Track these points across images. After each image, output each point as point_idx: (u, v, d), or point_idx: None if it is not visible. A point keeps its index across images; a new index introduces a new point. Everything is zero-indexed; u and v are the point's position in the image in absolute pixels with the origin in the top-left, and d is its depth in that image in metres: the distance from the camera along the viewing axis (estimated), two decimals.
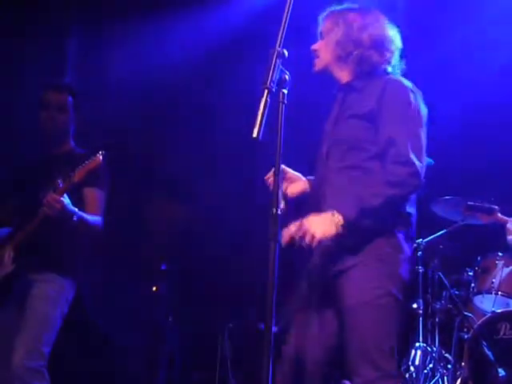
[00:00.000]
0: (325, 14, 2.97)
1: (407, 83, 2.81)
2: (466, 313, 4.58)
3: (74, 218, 3.58)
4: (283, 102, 2.41)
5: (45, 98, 3.87)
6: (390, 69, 2.88)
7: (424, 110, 2.79)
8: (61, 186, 3.49)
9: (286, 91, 2.42)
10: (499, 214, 4.26)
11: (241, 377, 5.28)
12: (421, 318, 4.66)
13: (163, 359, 5.35)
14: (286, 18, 2.45)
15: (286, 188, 2.96)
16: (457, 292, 4.72)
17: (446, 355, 4.63)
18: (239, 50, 5.63)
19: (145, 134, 5.79)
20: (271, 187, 2.76)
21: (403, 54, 2.95)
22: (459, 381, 4.29)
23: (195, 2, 5.60)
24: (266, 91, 2.35)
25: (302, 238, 2.56)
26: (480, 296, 4.52)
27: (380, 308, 2.63)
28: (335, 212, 2.57)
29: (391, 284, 2.66)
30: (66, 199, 3.51)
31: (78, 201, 3.65)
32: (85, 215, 3.67)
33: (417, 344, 4.63)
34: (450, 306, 4.69)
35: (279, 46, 2.41)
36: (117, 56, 5.61)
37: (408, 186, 2.64)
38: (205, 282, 5.55)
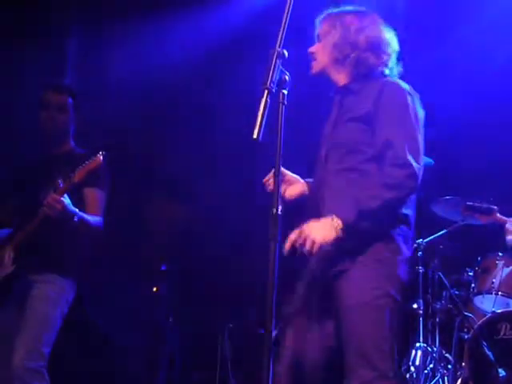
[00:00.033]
0: (322, 16, 2.98)
1: (404, 85, 2.82)
2: (466, 313, 4.59)
3: (75, 219, 3.58)
4: (283, 103, 2.41)
5: (45, 99, 3.87)
6: (387, 71, 2.89)
7: (421, 113, 2.80)
8: (61, 186, 3.49)
9: (286, 92, 2.42)
10: (498, 214, 4.26)
11: (241, 377, 5.28)
12: (421, 318, 4.66)
13: (163, 359, 5.35)
14: (286, 18, 2.45)
15: (285, 190, 2.97)
16: (457, 292, 4.73)
17: (447, 355, 4.63)
18: (239, 50, 5.63)
19: (145, 134, 5.79)
20: (269, 189, 2.78)
21: (402, 56, 2.95)
22: (459, 381, 4.29)
23: (195, 2, 5.59)
24: (266, 92, 2.35)
25: (303, 244, 2.58)
26: (480, 296, 4.52)
27: (378, 308, 2.64)
28: (334, 216, 2.59)
29: (390, 285, 2.67)
30: (66, 199, 3.50)
31: (79, 201, 3.65)
32: (85, 215, 3.67)
33: (417, 344, 4.63)
34: (451, 306, 4.69)
35: (279, 47, 2.41)
36: (117, 56, 5.60)
37: (405, 188, 2.65)
38: (205, 282, 5.55)
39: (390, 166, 2.64)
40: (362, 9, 2.97)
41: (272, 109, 2.37)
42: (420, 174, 2.66)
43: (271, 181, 2.80)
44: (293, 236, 2.61)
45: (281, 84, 2.42)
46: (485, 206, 4.26)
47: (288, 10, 2.47)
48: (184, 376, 5.45)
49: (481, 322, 4.31)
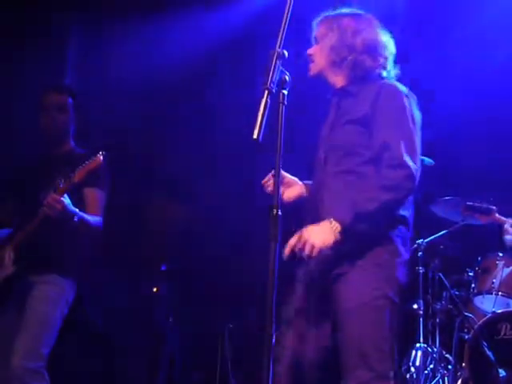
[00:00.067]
0: (319, 19, 2.99)
1: (401, 88, 2.83)
2: (466, 313, 4.58)
3: (75, 219, 3.57)
4: (283, 103, 2.41)
5: (45, 99, 3.87)
6: (384, 73, 2.90)
7: (418, 114, 2.81)
8: (61, 186, 3.49)
9: (286, 92, 2.42)
10: (497, 215, 4.27)
11: (241, 377, 5.28)
12: (421, 319, 4.66)
13: (163, 359, 5.35)
14: (286, 18, 2.45)
15: (283, 192, 2.97)
16: (457, 292, 4.72)
17: (447, 356, 4.63)
18: (239, 50, 5.63)
19: (145, 134, 5.79)
20: (268, 191, 2.79)
21: (402, 55, 2.95)
22: (460, 381, 4.29)
23: (195, 2, 5.60)
24: (266, 92, 2.35)
25: (302, 248, 2.59)
26: (480, 296, 4.52)
27: (377, 309, 2.66)
28: (332, 220, 2.60)
29: (388, 287, 2.68)
30: (66, 199, 3.50)
31: (79, 201, 3.65)
32: (85, 216, 3.67)
33: (417, 345, 4.63)
34: (451, 306, 4.69)
35: (279, 47, 2.41)
36: (117, 56, 5.60)
37: (403, 189, 2.66)
38: (205, 282, 5.55)
39: (387, 167, 2.65)
40: (359, 11, 2.98)
41: (272, 109, 2.37)
42: (417, 174, 2.67)
43: (270, 182, 2.82)
44: (292, 241, 2.62)
45: (281, 84, 2.41)
46: (484, 206, 4.26)
47: (288, 10, 2.47)
48: (184, 376, 5.45)
49: (481, 322, 4.31)
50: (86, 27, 5.72)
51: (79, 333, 4.89)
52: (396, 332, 2.72)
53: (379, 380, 2.62)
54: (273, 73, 2.38)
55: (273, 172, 2.75)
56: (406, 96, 2.79)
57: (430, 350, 4.62)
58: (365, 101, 2.78)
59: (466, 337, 4.42)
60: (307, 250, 2.58)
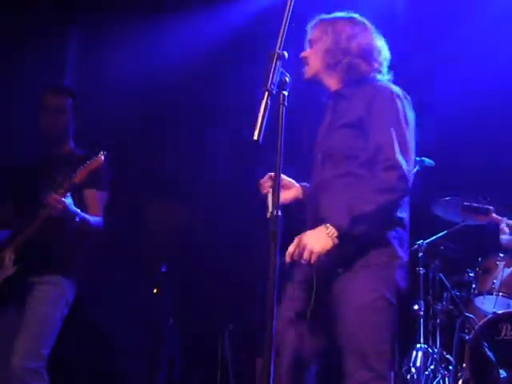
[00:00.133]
0: (313, 22, 3.00)
1: (396, 90, 2.84)
2: (467, 314, 4.58)
3: (77, 219, 3.57)
4: (284, 104, 2.41)
5: (44, 101, 3.87)
6: (379, 77, 2.92)
7: (411, 116, 2.83)
8: (62, 186, 3.49)
9: (286, 93, 2.41)
10: (494, 214, 4.28)
11: (241, 377, 5.28)
12: (422, 320, 4.66)
13: (164, 360, 5.35)
14: (286, 19, 2.44)
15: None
16: (458, 293, 4.72)
17: (447, 356, 4.64)
18: (239, 50, 5.62)
19: (145, 134, 5.78)
20: (264, 192, 2.79)
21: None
22: (460, 382, 4.29)
23: (195, 2, 5.59)
24: (267, 93, 2.34)
25: (301, 255, 2.60)
26: (481, 297, 4.52)
27: (376, 311, 2.68)
28: (328, 225, 2.62)
29: (385, 288, 2.70)
30: (68, 199, 3.50)
31: (79, 202, 3.65)
32: (87, 216, 3.66)
33: (418, 345, 4.63)
34: (451, 307, 4.69)
35: (279, 48, 2.41)
36: (117, 56, 5.59)
37: (398, 190, 2.68)
38: (205, 282, 5.54)
39: (382, 169, 2.67)
40: (354, 15, 2.99)
41: (272, 110, 2.37)
42: (410, 176, 2.70)
43: (266, 184, 2.82)
44: (291, 249, 2.64)
45: (281, 85, 2.41)
46: (481, 205, 4.27)
47: (288, 11, 2.47)
48: (184, 376, 5.45)
49: (482, 322, 4.31)
50: (85, 27, 5.72)
51: (79, 333, 4.89)
52: (395, 333, 2.74)
53: (379, 380, 2.63)
54: (273, 74, 2.37)
55: (270, 173, 2.78)
56: (400, 97, 2.81)
57: (430, 350, 4.62)
58: (360, 103, 2.79)
59: (467, 337, 4.42)
60: (306, 257, 2.59)
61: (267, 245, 2.32)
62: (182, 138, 5.80)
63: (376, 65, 2.91)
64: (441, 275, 4.76)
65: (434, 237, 4.81)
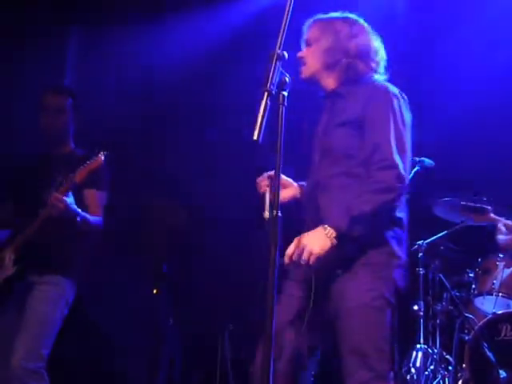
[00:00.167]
0: (310, 21, 3.00)
1: (393, 89, 2.85)
2: (466, 314, 4.58)
3: (78, 218, 3.58)
4: (283, 104, 2.41)
5: (44, 101, 3.88)
6: (376, 76, 2.92)
7: (408, 116, 2.84)
8: (63, 185, 3.49)
9: (286, 93, 2.42)
10: (492, 214, 4.28)
11: (241, 377, 5.27)
12: (422, 320, 4.65)
13: (164, 359, 5.34)
14: (286, 20, 2.44)
15: None
16: (457, 293, 4.72)
17: (447, 357, 4.63)
18: (239, 51, 5.62)
19: (145, 133, 5.78)
20: (260, 191, 2.79)
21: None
22: (460, 382, 4.28)
23: (195, 2, 5.59)
24: (266, 94, 2.35)
25: (300, 256, 2.61)
26: (481, 297, 4.51)
27: (375, 310, 2.68)
28: (326, 226, 2.62)
29: (384, 287, 2.71)
30: (69, 198, 3.50)
31: (79, 202, 3.65)
32: (87, 215, 3.67)
33: (418, 346, 4.62)
34: (451, 307, 4.68)
35: (279, 49, 2.41)
36: (117, 56, 5.60)
37: (395, 189, 2.68)
38: (205, 282, 5.54)
39: (378, 169, 2.68)
40: (350, 15, 3.00)
41: (272, 110, 2.37)
42: (407, 175, 2.71)
43: (263, 182, 2.82)
44: (290, 250, 2.65)
45: (281, 85, 2.41)
46: (478, 205, 4.27)
47: (288, 11, 2.47)
48: (184, 376, 5.45)
49: (481, 323, 4.30)
50: (86, 27, 5.72)
51: (79, 333, 4.89)
52: (394, 333, 2.74)
53: (379, 380, 2.63)
54: (273, 74, 2.38)
55: (268, 173, 2.78)
56: (397, 97, 2.82)
57: (430, 351, 4.61)
58: (357, 103, 2.81)
59: (467, 338, 4.41)
60: (305, 257, 2.60)
61: (267, 245, 2.32)
62: (182, 137, 5.80)
63: (373, 65, 2.92)
64: (441, 275, 4.75)
65: (434, 237, 4.80)
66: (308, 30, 2.98)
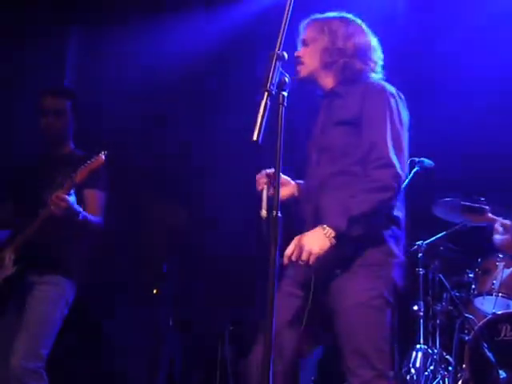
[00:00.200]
0: (307, 21, 3.00)
1: (390, 88, 2.85)
2: (466, 314, 4.58)
3: (79, 217, 3.58)
4: (283, 105, 2.41)
5: (43, 104, 3.87)
6: (373, 75, 2.93)
7: (405, 115, 2.85)
8: (64, 185, 3.49)
9: (285, 94, 2.42)
10: (489, 214, 4.28)
11: (241, 377, 5.27)
12: (421, 320, 4.65)
13: (163, 360, 5.35)
14: (285, 20, 2.45)
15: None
16: (457, 294, 4.72)
17: (447, 357, 4.63)
18: (239, 50, 5.62)
19: (145, 133, 5.78)
20: (258, 189, 2.79)
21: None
22: (460, 382, 4.28)
23: (195, 2, 5.59)
24: (266, 94, 2.35)
25: (299, 256, 2.61)
26: (481, 298, 4.51)
27: (374, 309, 2.69)
28: (325, 226, 2.63)
29: (383, 286, 2.71)
30: (71, 198, 3.50)
31: (79, 202, 3.64)
32: (88, 215, 3.67)
33: (417, 346, 4.62)
34: (451, 307, 4.68)
35: (279, 49, 2.41)
36: (117, 56, 5.60)
37: (391, 188, 2.68)
38: (205, 282, 5.54)
39: (375, 168, 2.69)
40: (347, 15, 3.00)
41: (271, 110, 2.37)
42: (403, 174, 2.71)
43: (261, 180, 2.82)
44: (289, 251, 2.64)
45: (281, 86, 2.41)
46: (477, 205, 4.28)
47: (288, 11, 2.47)
48: (184, 376, 5.45)
49: (481, 323, 4.30)
50: (85, 27, 5.72)
51: (79, 333, 4.89)
52: (394, 333, 2.74)
53: (381, 379, 2.64)
54: (272, 74, 2.38)
55: (266, 170, 2.78)
56: (394, 96, 2.82)
57: (430, 351, 4.61)
58: (354, 101, 2.81)
59: (467, 338, 4.41)
60: (304, 257, 2.60)
61: (267, 245, 2.32)
62: (181, 137, 5.80)
63: (371, 64, 2.93)
64: (440, 276, 4.75)
65: (434, 237, 4.80)
66: (305, 30, 2.98)
